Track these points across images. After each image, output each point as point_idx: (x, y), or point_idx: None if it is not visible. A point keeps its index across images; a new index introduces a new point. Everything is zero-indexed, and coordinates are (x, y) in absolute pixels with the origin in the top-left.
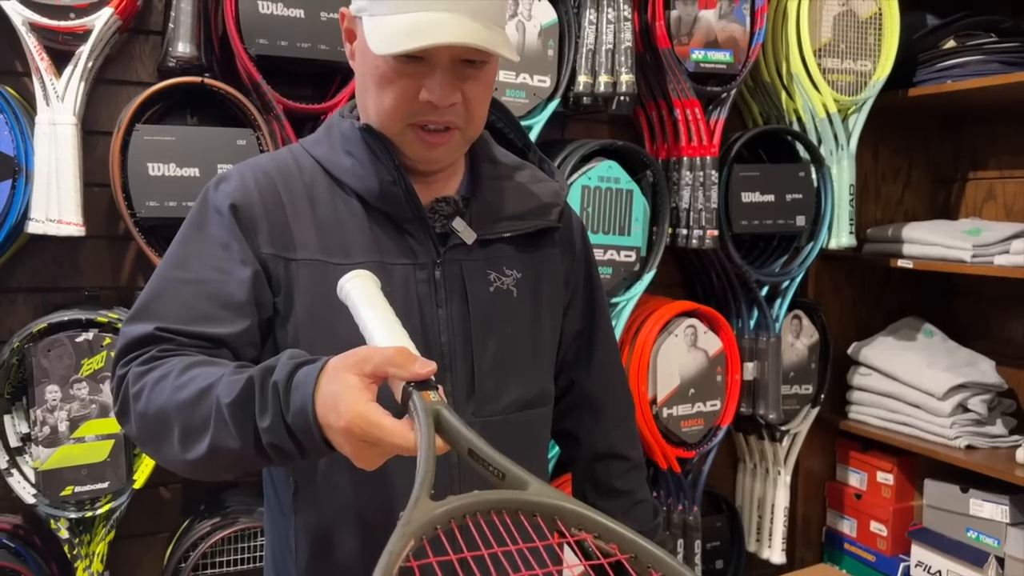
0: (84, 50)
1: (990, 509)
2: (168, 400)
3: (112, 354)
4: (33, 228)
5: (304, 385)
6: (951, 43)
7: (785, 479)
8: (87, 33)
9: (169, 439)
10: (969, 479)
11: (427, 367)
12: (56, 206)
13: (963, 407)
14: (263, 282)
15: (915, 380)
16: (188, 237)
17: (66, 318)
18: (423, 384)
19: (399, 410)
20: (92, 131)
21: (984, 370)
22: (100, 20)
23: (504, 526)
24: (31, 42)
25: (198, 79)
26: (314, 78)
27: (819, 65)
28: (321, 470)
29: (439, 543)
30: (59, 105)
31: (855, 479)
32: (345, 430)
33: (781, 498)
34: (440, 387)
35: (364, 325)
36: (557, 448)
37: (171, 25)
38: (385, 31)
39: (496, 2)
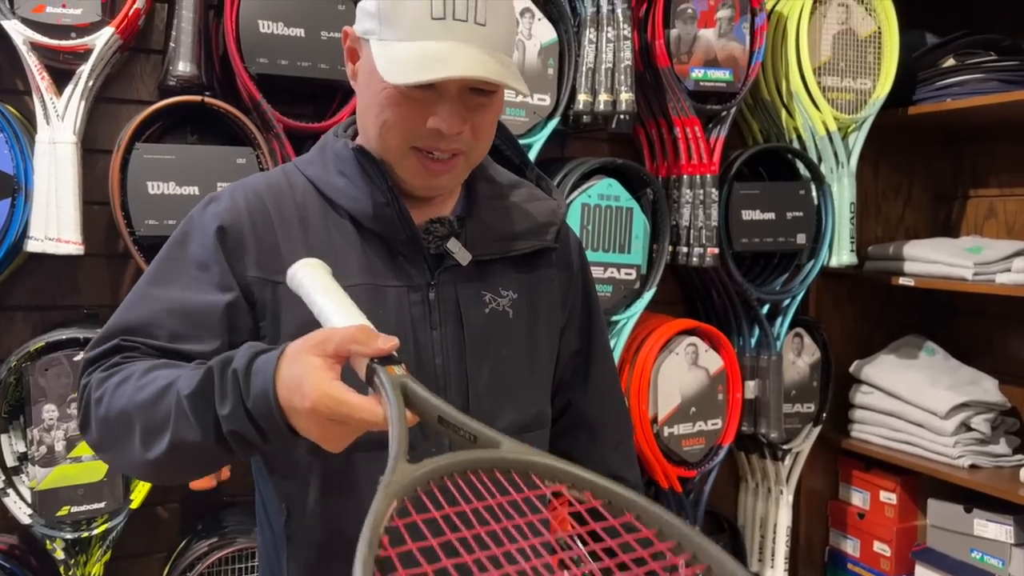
0: (85, 69)
1: (994, 529)
2: (129, 401)
3: None
4: (32, 246)
5: (264, 370)
6: (950, 61)
7: (787, 498)
8: (88, 52)
9: (130, 441)
10: (973, 499)
11: (389, 342)
12: (55, 225)
13: (966, 426)
14: (241, 308)
15: (917, 399)
16: (168, 256)
17: (64, 337)
18: (386, 360)
19: (363, 389)
20: (92, 149)
21: (987, 388)
22: (101, 39)
23: (483, 484)
24: (32, 61)
25: (198, 98)
26: (314, 96)
27: (819, 83)
28: (312, 497)
29: (420, 504)
30: (59, 124)
31: (858, 498)
32: (311, 410)
33: (783, 517)
34: (404, 363)
35: (320, 310)
36: None
37: (172, 44)
38: (396, 59)
39: (507, 30)
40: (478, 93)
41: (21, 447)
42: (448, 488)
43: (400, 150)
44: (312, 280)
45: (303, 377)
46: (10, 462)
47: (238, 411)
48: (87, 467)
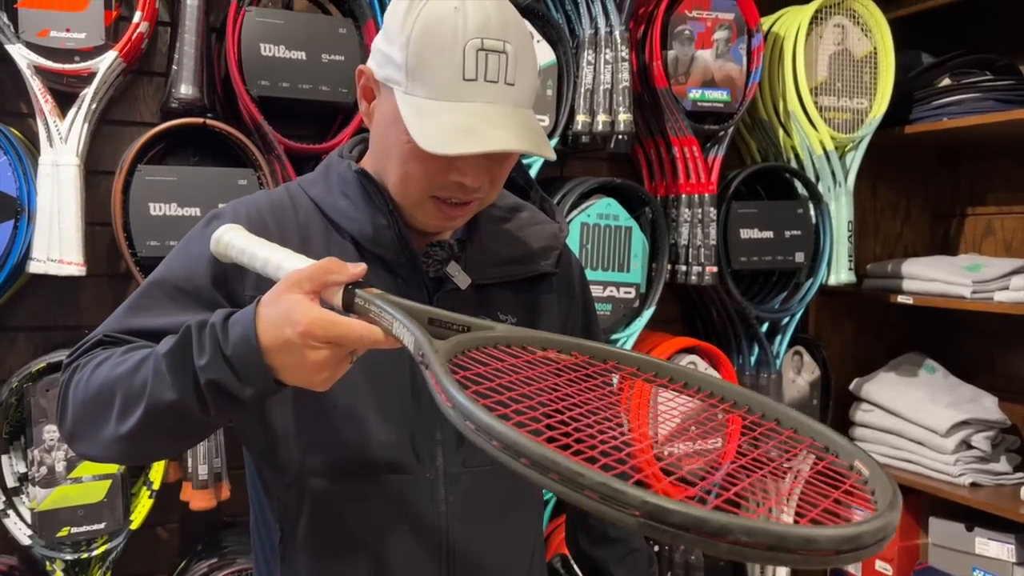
0: (88, 92)
1: (996, 548)
2: (107, 376)
3: None
4: (35, 268)
5: (243, 319)
6: (946, 81)
7: (789, 518)
8: (91, 76)
9: (107, 417)
10: (974, 517)
11: (360, 266)
12: (58, 246)
13: (966, 444)
14: None
15: (918, 416)
16: (163, 269)
17: (65, 358)
18: (358, 285)
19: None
20: (95, 171)
21: (987, 406)
22: (104, 63)
23: (494, 353)
24: (36, 85)
25: (200, 120)
26: (315, 118)
27: (816, 103)
28: (306, 516)
29: (458, 366)
30: (62, 146)
31: (859, 516)
32: (305, 334)
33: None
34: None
35: (266, 262)
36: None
37: (174, 67)
38: (430, 126)
39: (534, 85)
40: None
41: (22, 468)
42: (472, 357)
43: (419, 197)
44: (245, 239)
45: (290, 309)
46: (10, 483)
47: (216, 359)
48: (88, 488)
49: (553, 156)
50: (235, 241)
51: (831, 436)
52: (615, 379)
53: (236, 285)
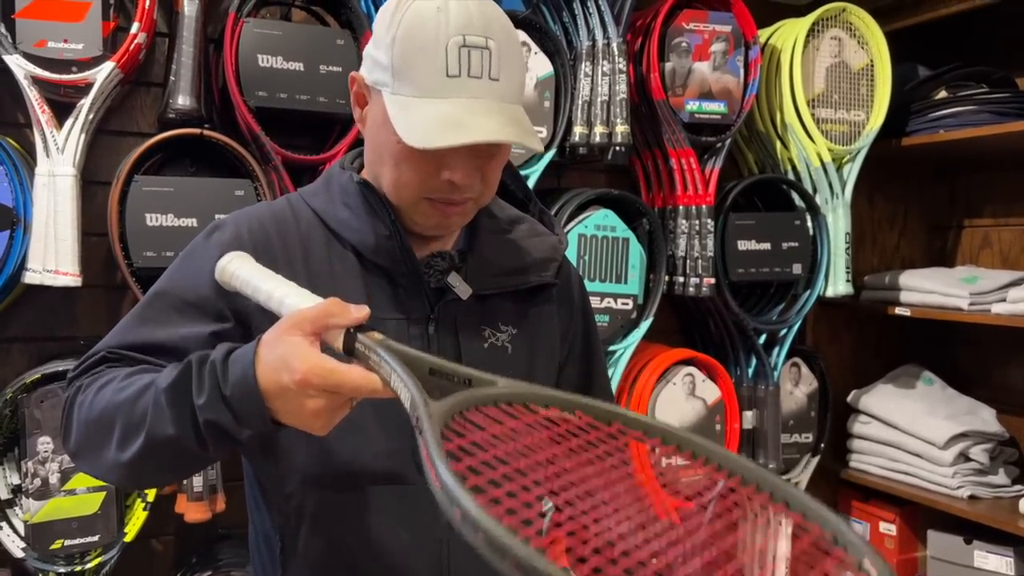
0: (85, 103)
1: (995, 561)
2: (110, 401)
3: None
4: (30, 278)
5: (243, 358)
6: (943, 93)
7: (787, 529)
8: (89, 86)
9: (108, 442)
10: (972, 530)
11: (363, 310)
12: (53, 256)
13: (964, 456)
14: (232, 337)
15: (915, 429)
16: (166, 281)
17: (60, 369)
18: (361, 329)
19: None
20: (92, 181)
21: (985, 419)
22: (102, 74)
23: (494, 413)
24: (33, 95)
25: (197, 131)
26: (312, 129)
27: (813, 115)
28: (307, 528)
29: (453, 430)
30: (59, 157)
31: (857, 529)
32: (302, 382)
33: (783, 549)
34: (376, 329)
35: (270, 295)
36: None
37: (172, 78)
38: (414, 121)
39: (519, 82)
40: (489, 145)
41: (15, 479)
42: (469, 419)
43: (413, 200)
44: (248, 269)
45: (288, 354)
46: (4, 495)
47: (215, 399)
48: (81, 500)
49: (540, 148)
50: (240, 272)
51: (840, 526)
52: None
53: (242, 298)
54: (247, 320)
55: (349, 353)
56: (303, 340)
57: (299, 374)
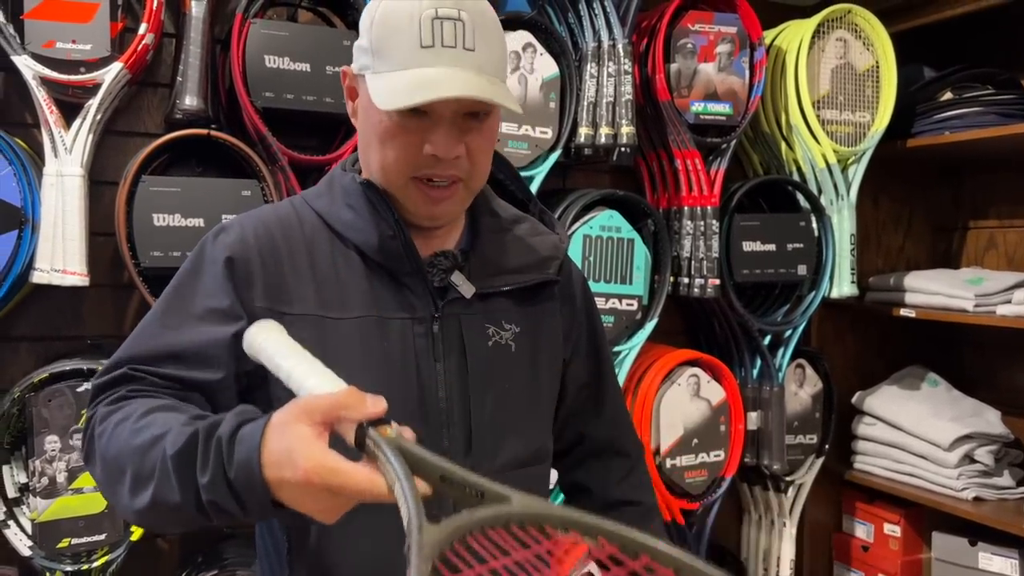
0: (93, 103)
1: (1000, 563)
2: (124, 445)
3: None
4: (38, 278)
5: (249, 439)
6: (948, 95)
7: (791, 531)
8: (97, 87)
9: (122, 486)
10: (977, 531)
11: (379, 404)
12: (61, 256)
13: (969, 458)
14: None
15: (920, 430)
16: (179, 287)
17: (67, 368)
18: (376, 422)
19: (354, 456)
20: (99, 181)
21: (990, 420)
22: (110, 74)
23: (502, 539)
24: (41, 95)
25: (205, 131)
26: (319, 130)
27: (818, 116)
28: (315, 528)
29: (450, 565)
30: (67, 157)
31: (862, 531)
32: (304, 482)
33: (787, 550)
34: (392, 422)
35: (289, 374)
36: (562, 497)
37: (179, 78)
38: (389, 87)
39: (497, 56)
40: (471, 117)
41: (23, 478)
42: (471, 546)
43: (401, 181)
44: (273, 342)
45: (293, 448)
46: (11, 493)
47: (218, 481)
48: (88, 499)
49: (518, 108)
50: (266, 346)
51: None
52: None
53: (245, 294)
54: (256, 319)
55: (360, 448)
56: (311, 432)
57: (301, 472)
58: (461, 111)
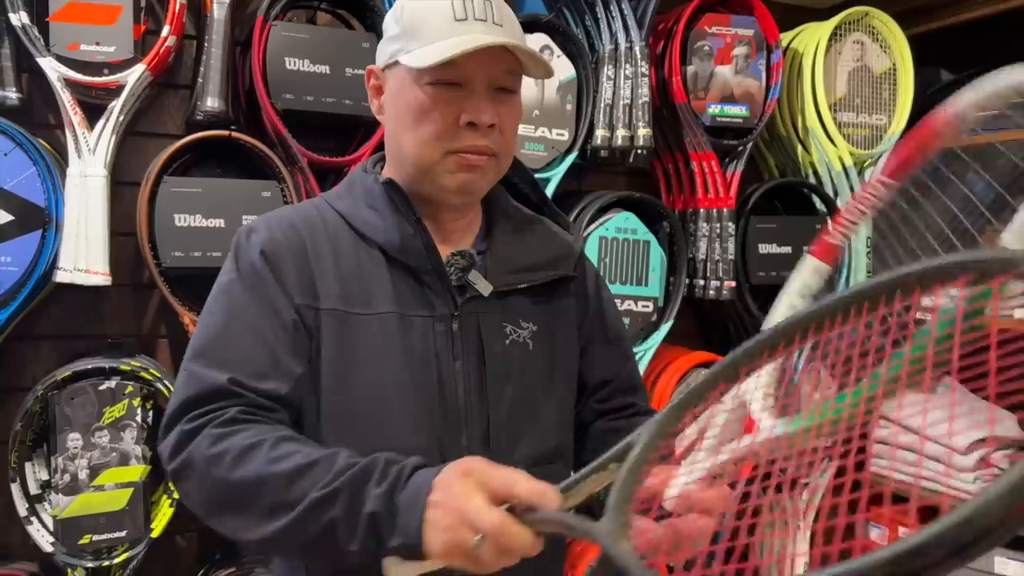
0: (116, 104)
1: (1016, 568)
2: (262, 471)
3: (138, 401)
4: (61, 277)
5: (423, 482)
6: None
7: (806, 532)
8: (120, 88)
9: (250, 509)
10: None
11: (552, 503)
12: (84, 256)
13: (986, 462)
14: (301, 328)
15: (936, 433)
16: (233, 284)
17: (90, 366)
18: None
19: None
20: (120, 181)
21: (1006, 424)
22: (133, 76)
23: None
24: (65, 97)
25: (226, 132)
26: (337, 131)
27: (834, 119)
28: None
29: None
30: (90, 157)
31: (876, 533)
32: (491, 532)
33: (801, 550)
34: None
35: None
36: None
37: (200, 80)
38: (425, 55)
39: (522, 36)
40: (502, 91)
41: (45, 475)
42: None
43: (437, 155)
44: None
45: (466, 509)
46: (33, 490)
47: (368, 553)
48: (110, 496)
49: (552, 71)
50: None
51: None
52: None
53: (285, 289)
54: (300, 312)
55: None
56: (483, 500)
57: (487, 525)
58: (494, 84)
